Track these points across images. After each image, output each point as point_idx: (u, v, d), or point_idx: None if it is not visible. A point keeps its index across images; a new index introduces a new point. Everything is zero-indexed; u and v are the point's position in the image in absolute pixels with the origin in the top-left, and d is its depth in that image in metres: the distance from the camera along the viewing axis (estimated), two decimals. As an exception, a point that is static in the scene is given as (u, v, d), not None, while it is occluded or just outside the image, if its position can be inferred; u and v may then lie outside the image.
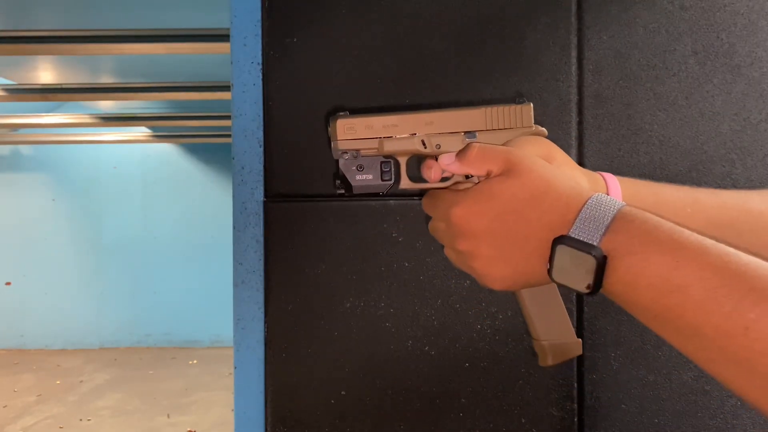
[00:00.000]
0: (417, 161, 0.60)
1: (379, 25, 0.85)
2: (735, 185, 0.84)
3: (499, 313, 0.85)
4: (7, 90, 3.70)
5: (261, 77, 0.86)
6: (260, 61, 0.86)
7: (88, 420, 4.61)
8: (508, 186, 0.50)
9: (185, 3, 2.80)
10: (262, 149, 0.86)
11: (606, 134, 0.85)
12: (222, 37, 2.63)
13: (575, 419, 0.84)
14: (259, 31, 0.86)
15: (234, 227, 0.87)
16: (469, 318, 0.85)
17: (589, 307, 0.84)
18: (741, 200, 0.61)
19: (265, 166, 0.86)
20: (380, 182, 0.59)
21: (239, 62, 0.87)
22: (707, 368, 0.43)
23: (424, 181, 0.59)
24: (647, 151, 0.84)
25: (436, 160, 0.59)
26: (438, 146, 0.58)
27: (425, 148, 0.58)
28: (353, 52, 0.85)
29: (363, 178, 0.59)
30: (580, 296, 0.85)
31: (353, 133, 0.58)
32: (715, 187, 0.84)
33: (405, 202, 0.85)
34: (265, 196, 0.86)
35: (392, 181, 0.59)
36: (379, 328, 0.85)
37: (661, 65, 0.84)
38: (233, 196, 0.87)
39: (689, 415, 0.84)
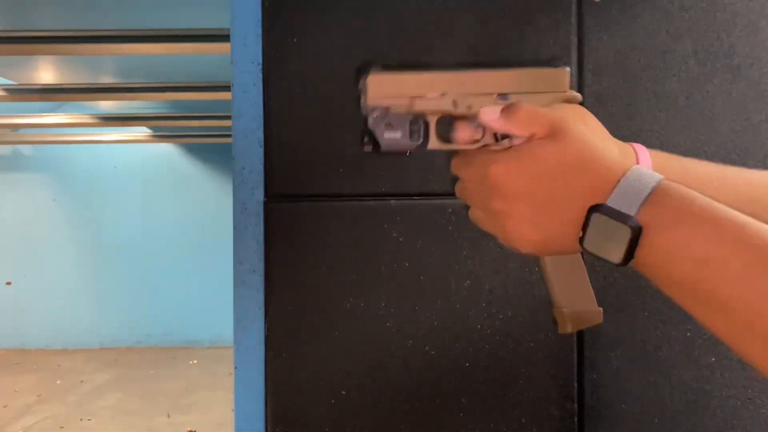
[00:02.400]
0: (447, 121, 0.58)
1: (379, 25, 0.85)
2: (735, 185, 0.84)
3: (499, 313, 0.85)
4: (7, 90, 3.71)
5: (261, 77, 0.86)
6: (260, 61, 0.86)
7: (89, 420, 4.61)
8: (552, 149, 0.50)
9: (185, 3, 2.80)
10: (262, 149, 0.86)
11: (606, 134, 0.85)
12: (222, 37, 2.63)
13: (575, 419, 0.84)
14: (259, 31, 0.86)
15: (234, 227, 0.87)
16: (469, 318, 0.85)
17: (589, 307, 0.84)
18: (765, 177, 0.61)
19: (265, 166, 0.86)
20: (409, 141, 0.57)
21: (239, 62, 0.87)
22: (731, 343, 0.43)
23: (454, 142, 0.57)
24: (647, 151, 0.84)
25: (468, 120, 0.57)
26: (470, 107, 0.56)
27: (456, 108, 0.56)
28: (353, 53, 0.85)
29: (391, 136, 0.57)
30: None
31: (384, 89, 0.56)
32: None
33: (405, 203, 0.85)
34: (265, 196, 0.86)
35: (421, 140, 0.58)
36: (379, 328, 0.85)
37: (661, 65, 0.84)
38: (233, 196, 0.87)
39: (689, 415, 0.84)
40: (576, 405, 0.84)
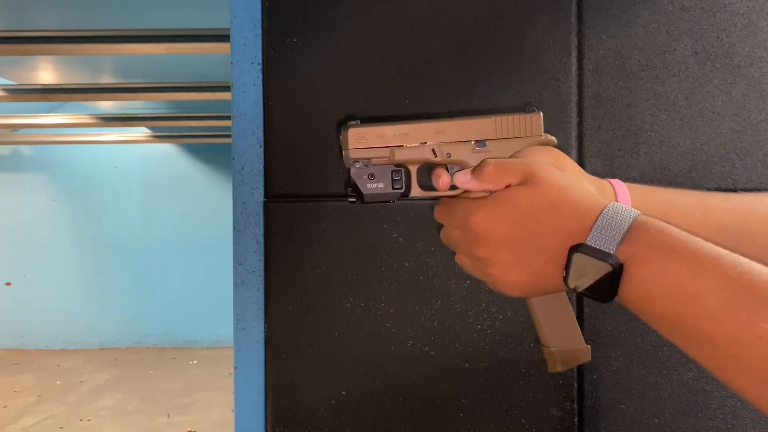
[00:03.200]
0: (428, 170, 0.60)
1: (379, 25, 0.85)
2: (735, 185, 0.84)
3: (499, 313, 0.85)
4: (7, 90, 3.70)
5: (261, 77, 0.86)
6: (260, 61, 0.86)
7: (89, 420, 4.61)
8: (527, 195, 0.51)
9: (185, 3, 2.80)
10: (262, 149, 0.86)
11: (606, 134, 0.85)
12: (222, 37, 2.63)
13: (575, 419, 0.84)
14: (259, 31, 0.86)
15: (234, 227, 0.87)
16: (469, 318, 0.85)
17: (589, 307, 0.84)
18: (751, 204, 0.61)
19: (265, 167, 0.86)
20: (391, 190, 0.60)
21: (239, 62, 0.87)
22: (720, 376, 0.43)
23: (435, 189, 0.60)
24: (647, 151, 0.84)
25: (447, 168, 0.59)
26: (449, 155, 0.59)
27: (436, 156, 0.59)
28: (353, 52, 0.85)
29: (374, 187, 0.60)
30: (580, 297, 0.85)
31: (364, 141, 0.58)
32: (716, 188, 0.84)
33: (405, 203, 0.85)
34: (265, 196, 0.86)
35: (403, 189, 0.60)
36: (379, 328, 0.85)
37: (661, 65, 0.84)
38: (233, 197, 0.87)
39: (689, 415, 0.84)
40: (576, 405, 0.85)
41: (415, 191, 0.60)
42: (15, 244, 6.51)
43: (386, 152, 0.59)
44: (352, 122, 0.59)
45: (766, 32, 0.84)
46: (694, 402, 0.84)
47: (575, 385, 0.85)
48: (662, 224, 0.46)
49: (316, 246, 0.85)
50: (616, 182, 0.60)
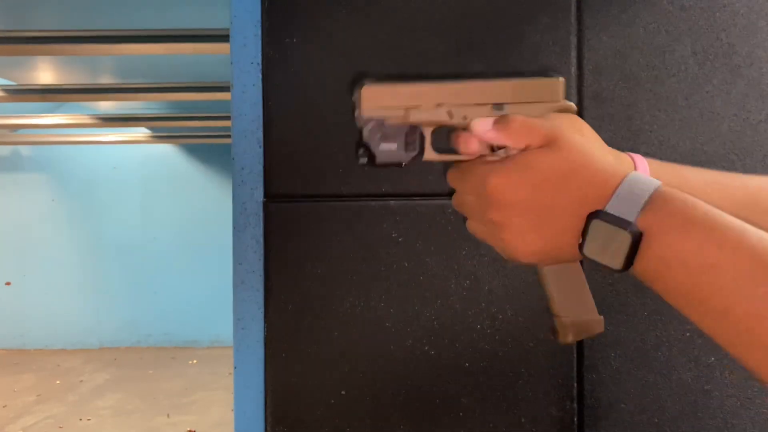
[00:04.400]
0: (443, 132, 0.58)
1: (379, 25, 0.85)
2: (735, 185, 0.84)
3: (499, 313, 0.85)
4: (7, 90, 3.70)
5: (261, 78, 0.86)
6: (260, 61, 0.86)
7: (88, 420, 4.61)
8: (548, 158, 0.50)
9: (185, 3, 2.80)
10: (261, 150, 0.86)
11: (606, 134, 0.85)
12: (222, 37, 2.63)
13: (575, 419, 0.84)
14: (259, 31, 0.86)
15: (234, 227, 0.87)
16: (468, 318, 0.85)
17: (589, 307, 0.84)
18: (762, 181, 0.61)
19: (264, 167, 0.86)
20: (404, 152, 0.57)
21: (239, 63, 0.87)
22: (732, 350, 0.43)
23: (449, 152, 0.57)
24: (647, 151, 0.84)
25: (464, 131, 0.57)
26: (465, 117, 0.56)
27: (452, 118, 0.56)
28: (353, 53, 0.85)
29: (387, 148, 0.57)
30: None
31: (379, 100, 0.56)
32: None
33: (405, 203, 0.85)
34: (265, 196, 0.86)
35: (416, 151, 0.58)
36: (379, 328, 0.85)
37: (661, 65, 0.84)
38: (233, 197, 0.87)
39: (689, 415, 0.84)
40: (576, 405, 0.85)
41: (429, 154, 0.57)
42: (15, 244, 6.51)
43: (401, 112, 0.56)
44: (367, 79, 0.56)
45: (766, 32, 0.84)
46: (694, 402, 0.84)
47: (575, 385, 0.85)
48: (684, 195, 0.46)
49: (316, 246, 0.85)
50: (637, 156, 0.59)
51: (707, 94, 0.84)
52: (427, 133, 0.57)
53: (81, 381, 5.51)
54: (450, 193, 0.59)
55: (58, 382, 5.50)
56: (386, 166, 0.57)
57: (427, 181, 0.85)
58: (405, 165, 0.57)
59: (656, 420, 0.84)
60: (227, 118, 4.12)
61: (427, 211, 0.85)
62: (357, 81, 0.57)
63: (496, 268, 0.85)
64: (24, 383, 5.47)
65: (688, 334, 0.84)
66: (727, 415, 0.84)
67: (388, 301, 0.85)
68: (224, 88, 3.50)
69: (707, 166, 0.84)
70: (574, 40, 0.84)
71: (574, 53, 0.84)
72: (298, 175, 0.85)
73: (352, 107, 0.57)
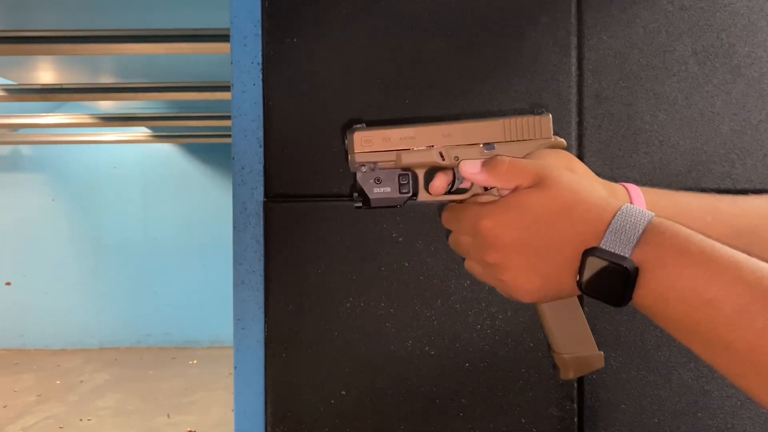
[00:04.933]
0: (435, 173, 0.59)
1: (379, 25, 0.85)
2: (735, 185, 0.84)
3: (499, 313, 0.85)
4: (7, 90, 3.71)
5: (261, 77, 0.86)
6: (260, 61, 0.86)
7: (88, 420, 4.61)
8: (539, 198, 0.50)
9: (185, 3, 2.80)
10: (262, 149, 0.86)
11: (606, 134, 0.85)
12: (222, 37, 2.63)
13: (575, 419, 0.84)
14: (259, 31, 0.86)
15: (234, 227, 0.87)
16: (468, 318, 0.85)
17: (590, 307, 0.84)
18: (761, 207, 0.60)
19: (265, 166, 0.86)
20: (398, 195, 0.58)
21: (239, 62, 0.87)
22: (737, 383, 0.42)
23: (443, 193, 0.58)
24: (647, 151, 0.84)
25: (454, 172, 0.58)
26: (456, 158, 0.57)
27: (443, 160, 0.58)
28: (353, 52, 0.85)
29: (381, 191, 0.58)
30: (580, 296, 0.85)
31: (370, 145, 0.57)
32: (715, 188, 0.84)
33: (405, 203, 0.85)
34: (265, 196, 0.86)
35: (410, 193, 0.59)
36: (379, 328, 0.85)
37: (661, 65, 0.84)
38: (233, 196, 0.87)
39: (689, 415, 0.84)
40: (576, 405, 0.85)
41: (423, 196, 0.58)
42: (15, 244, 6.51)
43: (393, 156, 0.57)
44: (358, 125, 0.58)
45: (766, 32, 0.84)
46: (694, 402, 0.84)
47: (575, 385, 0.85)
48: (677, 227, 0.45)
49: (316, 246, 0.85)
50: (631, 186, 0.59)
51: (707, 94, 0.84)
52: (420, 174, 0.58)
53: (81, 381, 5.51)
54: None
55: (58, 382, 5.50)
56: (381, 208, 0.58)
57: (427, 181, 0.85)
58: (400, 207, 0.59)
59: (656, 420, 0.84)
60: (227, 117, 4.12)
61: (427, 211, 0.85)
62: (348, 127, 0.58)
63: (496, 268, 0.85)
64: (24, 383, 5.47)
65: (688, 334, 0.84)
66: (727, 415, 0.84)
67: (388, 301, 0.85)
68: (224, 88, 3.50)
69: (707, 166, 0.84)
70: (574, 40, 0.84)
71: (574, 53, 0.84)
72: (298, 175, 0.85)
73: (345, 152, 0.58)
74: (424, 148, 0.58)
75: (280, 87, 0.85)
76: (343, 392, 0.85)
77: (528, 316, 0.85)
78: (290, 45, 0.85)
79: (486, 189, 0.57)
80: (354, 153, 0.57)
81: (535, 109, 0.59)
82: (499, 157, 0.54)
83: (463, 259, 0.57)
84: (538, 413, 0.84)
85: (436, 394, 0.85)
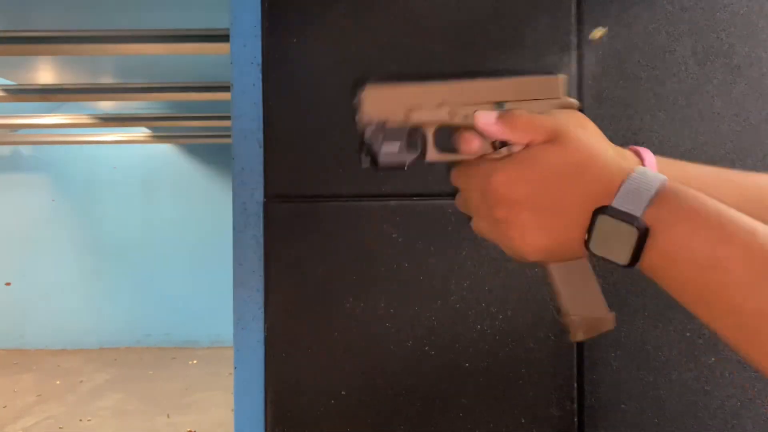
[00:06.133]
0: (445, 132, 0.58)
1: (379, 25, 0.85)
2: (735, 185, 0.84)
3: (499, 313, 0.85)
4: (7, 90, 3.70)
5: (261, 78, 0.86)
6: (260, 61, 0.86)
7: (88, 420, 4.61)
8: (553, 154, 0.49)
9: (185, 3, 2.80)
10: (262, 150, 0.86)
11: (606, 134, 0.84)
12: (222, 37, 2.63)
13: (575, 419, 0.84)
14: (259, 31, 0.86)
15: (234, 228, 0.87)
16: (468, 318, 0.85)
17: (589, 307, 0.84)
18: None
19: (264, 167, 0.86)
20: (407, 153, 0.56)
21: (239, 62, 0.87)
22: (739, 348, 0.42)
23: (452, 152, 0.57)
24: (647, 151, 0.84)
25: (466, 130, 0.57)
26: (466, 116, 0.56)
27: (453, 118, 0.56)
28: (353, 53, 0.85)
29: (389, 149, 0.56)
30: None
31: (380, 102, 0.56)
32: (715, 188, 0.84)
33: (405, 203, 0.85)
34: (265, 196, 0.86)
35: (419, 152, 0.58)
36: (379, 328, 0.85)
37: (661, 66, 0.84)
38: (233, 197, 0.87)
39: (689, 415, 0.84)
40: (576, 405, 0.84)
41: (431, 155, 0.57)
42: (15, 244, 6.51)
43: (402, 113, 0.56)
44: (369, 81, 0.56)
45: (766, 32, 0.84)
46: (694, 402, 0.84)
47: (575, 385, 0.85)
48: (691, 191, 0.45)
49: (316, 246, 0.85)
50: (644, 150, 0.58)
51: (707, 94, 0.84)
52: (429, 133, 0.57)
53: (81, 381, 5.51)
54: (452, 193, 0.59)
55: (58, 382, 5.50)
56: (389, 168, 0.57)
57: (427, 181, 0.85)
58: (407, 167, 0.57)
59: (656, 420, 0.84)
60: (227, 118, 4.12)
61: (427, 211, 0.85)
62: (358, 84, 0.57)
63: (496, 268, 0.85)
64: (24, 383, 5.47)
65: (688, 334, 0.84)
66: (727, 415, 0.84)
67: (388, 301, 0.85)
68: (224, 88, 3.50)
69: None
70: (574, 40, 0.84)
71: (574, 53, 0.84)
72: (298, 175, 0.85)
73: (354, 111, 0.57)
74: (434, 105, 0.56)
75: (280, 87, 0.85)
76: (343, 392, 0.85)
77: (528, 316, 0.85)
78: (290, 45, 0.85)
79: (495, 149, 0.56)
80: (363, 110, 0.56)
81: (550, 69, 0.57)
82: (516, 110, 0.53)
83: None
84: (538, 413, 0.84)
85: (436, 394, 0.85)
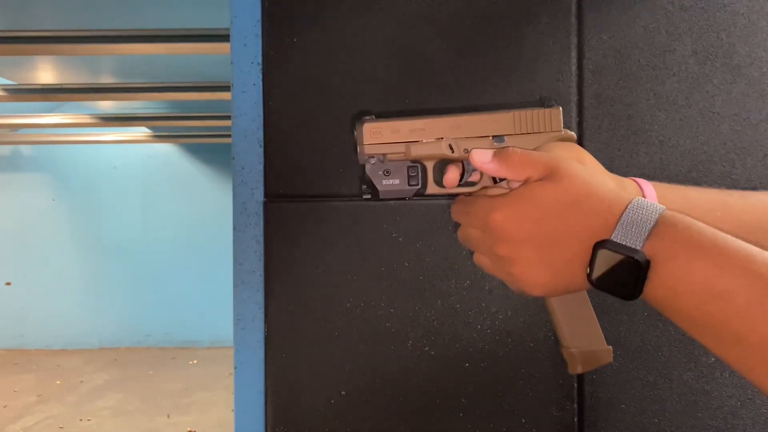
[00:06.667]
0: (445, 166, 0.59)
1: (379, 25, 0.85)
2: (735, 185, 0.84)
3: (499, 313, 0.85)
4: (7, 90, 3.70)
5: (261, 77, 0.86)
6: (260, 61, 0.86)
7: (88, 420, 4.61)
8: (550, 190, 0.50)
9: (185, 3, 2.80)
10: (262, 149, 0.86)
11: (606, 134, 0.85)
12: (222, 37, 2.63)
13: (575, 419, 0.84)
14: (259, 31, 0.86)
15: (234, 227, 0.87)
16: (469, 318, 0.85)
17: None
18: None
19: (265, 166, 0.86)
20: (407, 187, 0.58)
21: (239, 62, 0.87)
22: (748, 376, 0.42)
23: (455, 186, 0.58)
24: (647, 151, 0.84)
25: (463, 165, 0.58)
26: (466, 150, 0.57)
27: (453, 152, 0.57)
28: (353, 52, 0.85)
29: (390, 183, 0.58)
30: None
31: (379, 137, 0.57)
32: (716, 188, 0.84)
33: (405, 203, 0.85)
34: (265, 196, 0.86)
35: (419, 185, 0.58)
36: (379, 328, 0.85)
37: (661, 65, 0.84)
38: (233, 197, 0.87)
39: (689, 415, 0.84)
40: (576, 405, 0.85)
41: (432, 188, 0.58)
42: (15, 244, 6.51)
43: (402, 148, 0.57)
44: (367, 117, 0.57)
45: (766, 32, 0.84)
46: (694, 402, 0.84)
47: (575, 385, 0.85)
48: (689, 220, 0.45)
49: (316, 246, 0.85)
50: (642, 181, 0.59)
51: (707, 93, 0.84)
52: (429, 167, 0.58)
53: (81, 381, 5.51)
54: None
55: (58, 382, 5.50)
56: (390, 200, 0.58)
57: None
58: (408, 199, 0.58)
59: (656, 420, 0.84)
60: (227, 117, 4.12)
61: (427, 211, 0.85)
62: (357, 118, 0.58)
63: (496, 268, 0.85)
64: (24, 383, 5.47)
65: (688, 334, 0.84)
66: (727, 415, 0.84)
67: (388, 302, 0.85)
68: (224, 88, 3.50)
69: (707, 166, 0.84)
70: (574, 40, 0.84)
71: (574, 53, 0.84)
72: (298, 175, 0.85)
73: (354, 144, 0.58)
74: (433, 140, 0.57)
75: (280, 87, 0.85)
76: (343, 392, 0.85)
77: (528, 316, 0.85)
78: (290, 45, 0.85)
79: (495, 181, 0.56)
80: (363, 144, 0.57)
81: (545, 101, 0.58)
82: (510, 147, 0.54)
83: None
84: (538, 413, 0.84)
85: (436, 394, 0.85)
